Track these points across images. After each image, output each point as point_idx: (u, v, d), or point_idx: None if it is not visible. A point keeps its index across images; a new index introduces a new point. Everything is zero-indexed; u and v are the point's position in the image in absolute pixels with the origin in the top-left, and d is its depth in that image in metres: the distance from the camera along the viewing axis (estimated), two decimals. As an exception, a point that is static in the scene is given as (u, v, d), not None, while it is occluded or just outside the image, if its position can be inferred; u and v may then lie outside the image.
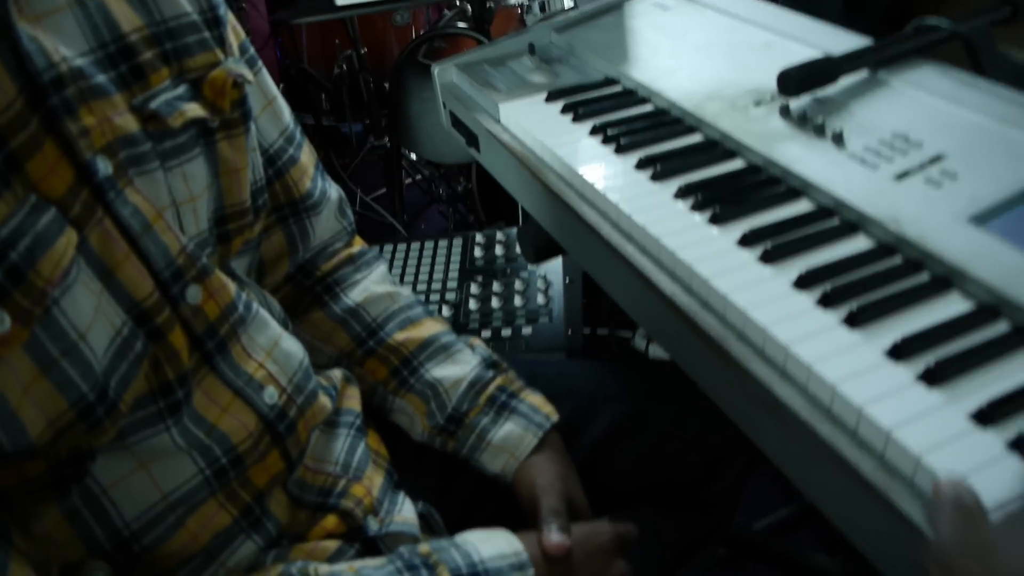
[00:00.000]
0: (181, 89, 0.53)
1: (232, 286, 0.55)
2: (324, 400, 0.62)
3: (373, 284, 0.74)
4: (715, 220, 0.62)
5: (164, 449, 0.51)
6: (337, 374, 0.68)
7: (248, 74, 0.60)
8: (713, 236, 0.61)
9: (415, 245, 1.13)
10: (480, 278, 1.05)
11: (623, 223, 0.65)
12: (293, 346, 0.60)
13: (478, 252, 1.08)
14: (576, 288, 0.94)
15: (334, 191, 0.74)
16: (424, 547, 0.58)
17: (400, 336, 0.72)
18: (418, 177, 2.05)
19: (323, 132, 2.02)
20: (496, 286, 1.02)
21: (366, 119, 1.94)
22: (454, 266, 1.07)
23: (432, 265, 1.08)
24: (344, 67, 1.82)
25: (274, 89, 0.68)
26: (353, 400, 0.68)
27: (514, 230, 1.12)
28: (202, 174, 0.54)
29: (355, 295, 0.73)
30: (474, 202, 1.69)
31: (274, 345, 0.58)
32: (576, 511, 0.66)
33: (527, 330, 0.96)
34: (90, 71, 0.48)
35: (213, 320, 0.53)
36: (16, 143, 0.44)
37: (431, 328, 0.74)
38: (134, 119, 0.50)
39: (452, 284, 1.04)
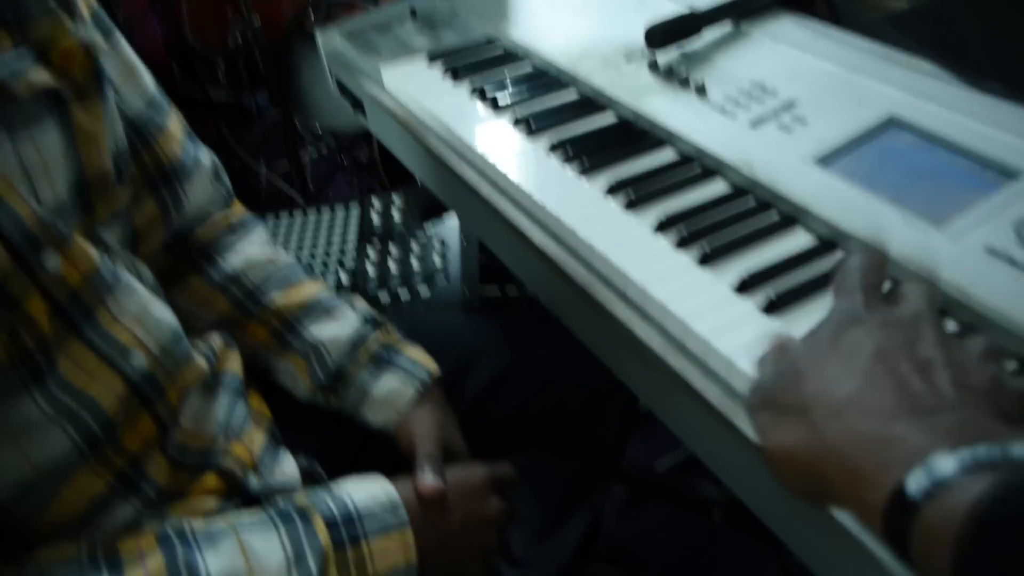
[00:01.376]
0: (25, 56, 0.52)
1: (95, 253, 0.54)
2: (199, 363, 0.62)
3: (252, 249, 0.75)
4: (584, 172, 0.65)
5: (31, 419, 0.50)
6: (216, 338, 0.68)
7: (101, 42, 0.59)
8: (583, 188, 0.64)
9: (313, 214, 1.13)
10: (377, 242, 1.06)
11: (500, 181, 0.67)
12: (163, 312, 0.60)
13: (375, 218, 1.09)
14: (472, 249, 0.96)
15: (206, 157, 0.74)
16: (299, 497, 0.59)
17: (280, 299, 0.73)
18: (324, 150, 2.03)
19: (216, 107, 1.97)
20: (393, 249, 1.03)
21: (265, 91, 1.91)
22: (351, 232, 1.08)
23: (330, 232, 1.08)
24: (239, 38, 1.78)
25: (134, 57, 0.67)
26: (233, 363, 0.68)
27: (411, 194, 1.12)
28: (56, 143, 0.53)
29: (234, 261, 0.73)
30: (376, 170, 1.69)
31: (143, 311, 0.58)
32: (455, 456, 0.68)
33: (424, 291, 0.97)
34: None
35: (75, 287, 0.53)
36: None
37: (311, 289, 0.74)
38: None
39: (350, 249, 1.05)
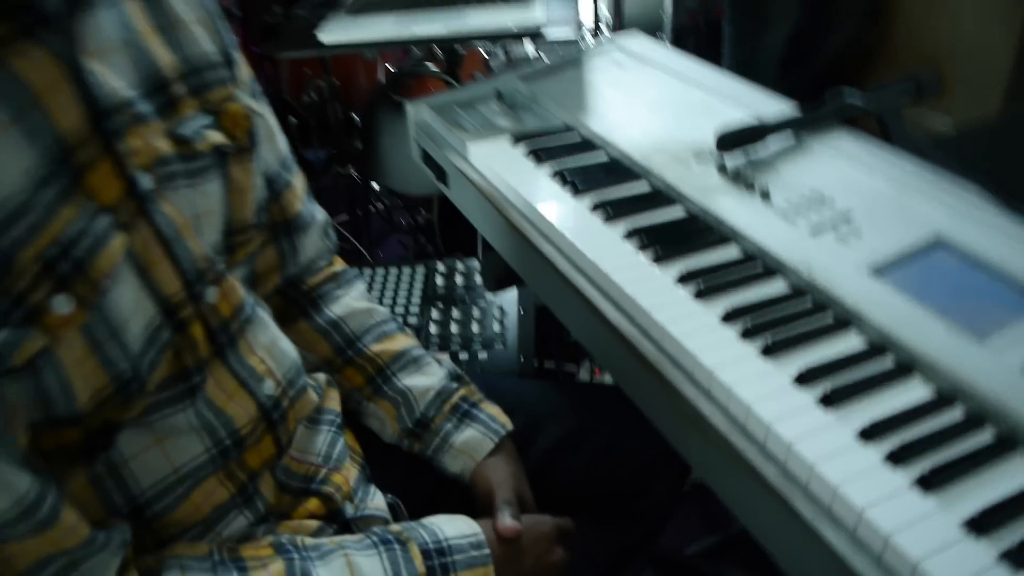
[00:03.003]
0: (205, 119, 0.61)
1: (241, 289, 0.64)
2: (311, 396, 0.71)
3: (353, 300, 0.83)
4: (657, 260, 0.71)
5: (178, 428, 0.59)
6: (321, 377, 0.76)
7: (257, 107, 0.69)
8: (655, 274, 0.70)
9: (380, 270, 1.20)
10: (441, 304, 1.13)
11: (577, 258, 0.74)
12: (288, 346, 0.69)
13: (439, 280, 1.16)
14: (529, 319, 1.02)
15: (320, 214, 0.83)
16: (395, 526, 0.66)
17: (376, 347, 0.80)
18: (379, 206, 2.13)
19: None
20: (455, 312, 1.10)
21: (333, 147, 2.01)
22: (417, 292, 1.15)
23: (396, 290, 1.15)
24: (314, 95, 1.90)
25: (274, 120, 0.76)
26: (334, 401, 0.76)
27: (474, 261, 1.20)
28: (217, 192, 0.62)
29: (337, 309, 0.82)
30: (434, 233, 1.77)
31: (273, 344, 0.66)
32: (524, 506, 0.74)
33: (483, 355, 1.04)
34: (136, 101, 0.56)
35: (226, 317, 0.62)
36: (79, 159, 0.52)
37: (403, 342, 0.82)
38: (168, 143, 0.58)
39: (414, 309, 1.12)
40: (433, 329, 1.07)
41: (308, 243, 0.80)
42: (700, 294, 0.66)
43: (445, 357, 0.84)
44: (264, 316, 0.67)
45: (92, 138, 0.53)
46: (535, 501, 0.78)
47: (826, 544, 0.48)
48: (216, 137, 0.62)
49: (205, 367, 0.60)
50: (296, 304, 0.81)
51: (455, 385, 0.81)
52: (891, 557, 0.45)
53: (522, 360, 1.01)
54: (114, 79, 0.54)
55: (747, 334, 0.61)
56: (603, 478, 0.88)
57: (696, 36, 2.19)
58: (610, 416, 0.88)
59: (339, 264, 0.86)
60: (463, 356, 1.04)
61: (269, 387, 0.65)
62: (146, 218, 0.56)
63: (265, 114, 0.74)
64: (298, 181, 0.79)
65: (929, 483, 0.49)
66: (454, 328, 1.08)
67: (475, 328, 1.07)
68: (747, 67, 2.17)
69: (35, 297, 0.49)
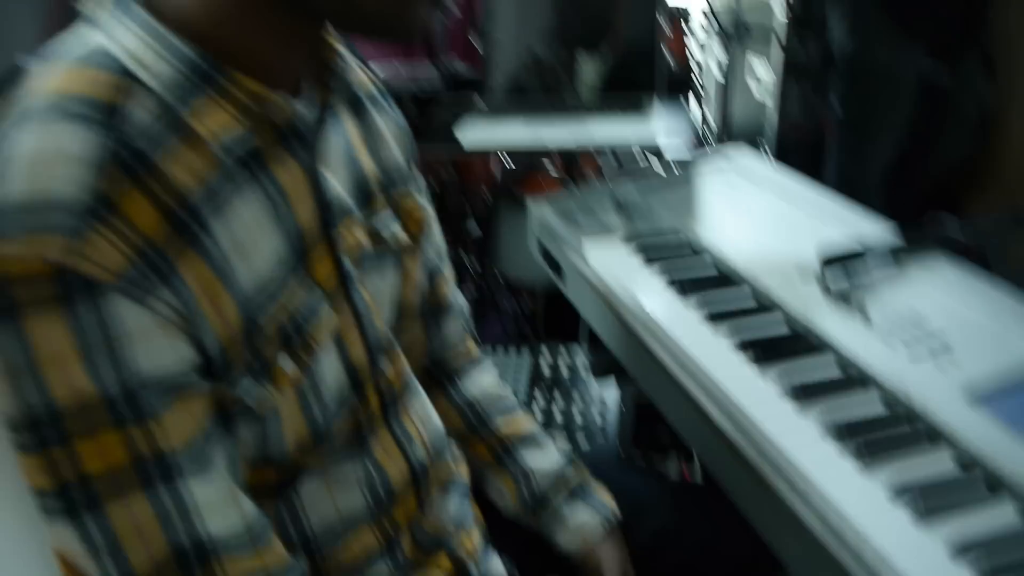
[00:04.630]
0: (392, 216, 0.72)
1: (405, 362, 0.73)
2: (449, 464, 0.80)
3: (485, 379, 0.93)
4: (760, 366, 0.77)
5: (346, 478, 0.69)
6: (454, 447, 0.85)
7: (429, 207, 0.79)
8: (758, 381, 0.76)
9: (488, 351, 1.29)
10: (545, 390, 1.20)
11: (683, 358, 0.80)
12: (436, 417, 0.79)
13: (545, 365, 1.24)
14: (629, 414, 1.08)
15: (462, 299, 0.93)
16: None
17: (503, 427, 0.90)
18: (484, 290, 2.25)
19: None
20: (559, 399, 1.17)
21: (448, 231, 2.14)
22: (524, 375, 1.22)
23: (503, 370, 1.23)
24: (434, 183, 2.04)
25: (433, 215, 0.87)
26: (464, 470, 0.86)
27: (578, 350, 1.27)
28: (393, 281, 0.73)
29: (471, 387, 0.92)
30: (536, 318, 1.86)
31: (425, 413, 0.77)
32: None
33: (583, 443, 1.10)
34: (347, 200, 0.68)
35: (394, 385, 0.73)
36: (309, 247, 0.64)
37: (527, 423, 0.92)
38: (366, 236, 0.70)
39: (521, 390, 1.19)
40: (538, 413, 1.14)
41: (451, 325, 0.90)
42: (801, 405, 0.71)
43: (562, 441, 0.91)
44: (419, 387, 0.78)
45: (318, 231, 0.65)
46: None
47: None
48: (400, 232, 0.74)
49: (374, 427, 0.70)
50: (436, 380, 0.91)
51: (571, 469, 0.89)
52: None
53: (620, 452, 1.07)
54: (337, 183, 0.66)
55: (848, 449, 0.66)
56: (702, 573, 0.93)
57: (800, 148, 2.24)
58: (708, 513, 0.92)
59: (474, 346, 0.95)
60: (563, 443, 1.10)
61: (419, 450, 0.75)
62: (347, 298, 0.67)
63: (430, 211, 0.84)
64: (448, 270, 0.90)
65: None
66: (558, 414, 1.14)
67: (577, 416, 1.13)
68: (851, 182, 2.21)
69: (271, 357, 0.60)
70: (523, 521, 0.90)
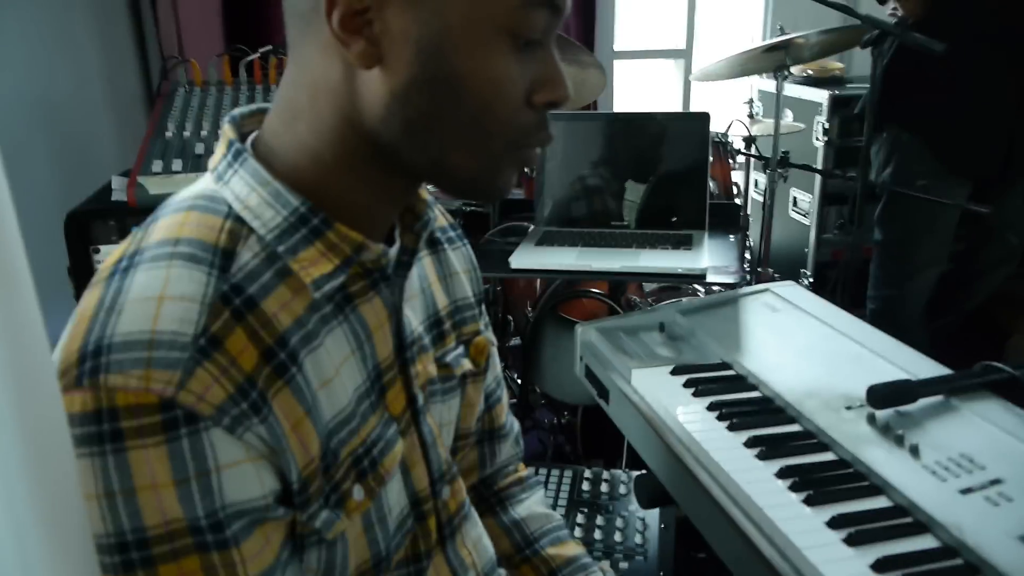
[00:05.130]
0: (460, 348, 0.76)
1: (464, 490, 0.75)
2: None
3: (534, 504, 0.94)
4: (809, 501, 0.77)
5: None
6: (503, 571, 0.85)
7: (492, 337, 0.83)
8: (806, 514, 0.76)
9: (529, 469, 1.29)
10: (585, 510, 1.20)
11: (731, 489, 0.81)
12: (489, 544, 0.80)
13: (585, 486, 1.24)
14: (670, 535, 1.07)
15: (514, 424, 0.95)
16: None
17: (551, 551, 0.90)
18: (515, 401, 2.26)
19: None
20: (600, 520, 1.17)
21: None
22: (563, 494, 1.23)
23: (544, 489, 1.24)
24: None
25: (495, 343, 0.90)
26: None
27: (618, 472, 1.27)
28: (456, 407, 0.76)
29: (520, 511, 0.92)
30: (575, 437, 1.87)
31: (479, 539, 0.78)
32: None
33: (624, 565, 1.09)
34: (423, 334, 0.71)
35: (452, 513, 0.74)
36: (385, 380, 0.67)
37: (574, 549, 0.91)
38: (436, 368, 0.73)
39: (560, 511, 1.19)
40: (577, 533, 1.13)
41: (504, 450, 0.92)
42: (851, 540, 0.72)
43: (606, 565, 0.91)
44: (475, 515, 0.79)
45: (395, 364, 0.68)
46: None
47: None
48: (466, 364, 0.78)
49: (431, 553, 0.71)
50: (486, 502, 0.92)
51: None
52: None
53: (661, 574, 1.06)
54: (414, 319, 0.70)
55: (897, 585, 0.66)
56: None
57: (840, 277, 2.27)
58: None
59: (523, 469, 0.97)
60: (604, 564, 1.09)
61: None
62: (416, 427, 0.70)
63: (493, 340, 0.88)
64: (504, 396, 0.92)
65: None
66: (597, 535, 1.14)
67: (617, 537, 1.13)
68: (893, 308, 2.22)
69: (344, 486, 0.62)
70: None
